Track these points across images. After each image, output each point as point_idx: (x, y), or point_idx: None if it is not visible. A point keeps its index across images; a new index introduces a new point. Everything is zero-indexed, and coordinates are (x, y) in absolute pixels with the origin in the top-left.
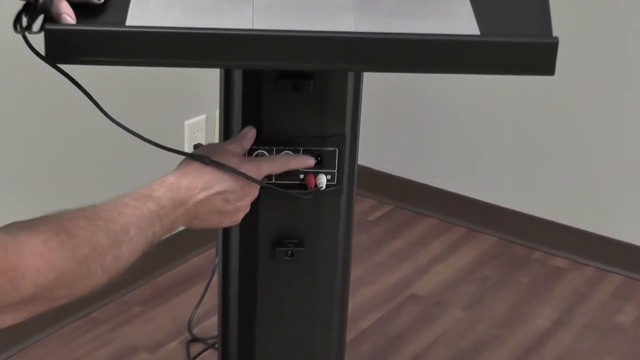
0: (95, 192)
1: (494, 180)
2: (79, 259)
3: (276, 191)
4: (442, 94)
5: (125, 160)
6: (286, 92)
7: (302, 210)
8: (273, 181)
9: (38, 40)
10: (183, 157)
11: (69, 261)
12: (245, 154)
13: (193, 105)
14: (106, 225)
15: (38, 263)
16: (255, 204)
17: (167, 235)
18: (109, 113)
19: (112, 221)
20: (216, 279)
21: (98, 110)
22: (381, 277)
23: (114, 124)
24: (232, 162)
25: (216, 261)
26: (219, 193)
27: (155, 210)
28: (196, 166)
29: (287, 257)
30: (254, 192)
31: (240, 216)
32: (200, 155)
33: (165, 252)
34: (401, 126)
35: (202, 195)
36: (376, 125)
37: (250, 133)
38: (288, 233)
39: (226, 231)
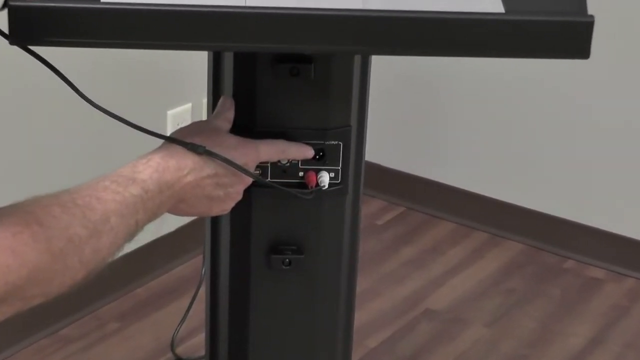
0: (71, 182)
1: (520, 179)
2: (54, 253)
3: (272, 189)
4: (461, 81)
5: (103, 150)
6: (284, 78)
7: (302, 212)
8: (269, 179)
9: (2, 19)
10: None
11: (42, 256)
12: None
13: (177, 93)
14: (84, 214)
15: (7, 259)
16: (248, 205)
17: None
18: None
19: (90, 208)
20: (203, 291)
21: (70, 96)
22: (391, 289)
23: (88, 112)
24: (229, 143)
25: (203, 271)
26: (209, 176)
27: (139, 194)
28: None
29: (284, 266)
30: (247, 178)
31: (230, 204)
32: (193, 144)
33: (145, 260)
34: (414, 117)
35: (191, 177)
36: (386, 117)
37: (228, 102)
38: (285, 238)
39: (215, 236)
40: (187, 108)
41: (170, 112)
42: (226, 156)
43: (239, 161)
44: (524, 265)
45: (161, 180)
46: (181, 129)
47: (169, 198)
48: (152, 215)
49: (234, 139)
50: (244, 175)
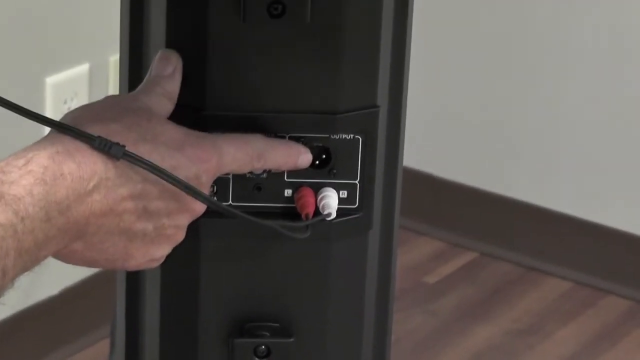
0: None
1: None
2: None
3: (238, 222)
4: (568, 48)
5: None
6: (258, 21)
7: (290, 262)
8: (231, 202)
9: None
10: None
11: None
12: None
13: (63, 46)
14: None
15: None
16: (193, 249)
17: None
18: None
19: None
20: None
21: None
22: None
23: None
24: (170, 139)
25: None
26: (131, 196)
27: (10, 223)
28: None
29: (258, 359)
30: (198, 204)
31: (163, 249)
32: (103, 139)
33: (4, 350)
34: (493, 97)
35: (100, 195)
36: (441, 92)
37: (172, 62)
38: (260, 309)
39: (133, 305)
40: (80, 72)
41: (50, 80)
42: (164, 162)
43: (185, 172)
44: None
45: (50, 199)
46: (86, 109)
47: (61, 232)
48: (30, 261)
49: (179, 132)
50: (192, 197)
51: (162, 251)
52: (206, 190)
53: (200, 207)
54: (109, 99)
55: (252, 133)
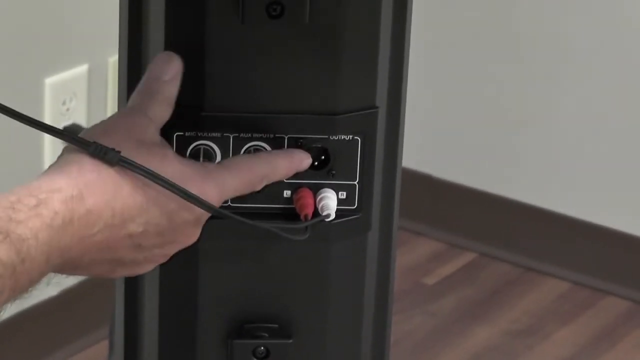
0: None
1: None
2: None
3: (240, 225)
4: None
5: None
6: (257, 22)
7: (288, 263)
8: (229, 204)
9: None
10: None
11: None
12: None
13: (63, 48)
14: None
15: None
16: (192, 253)
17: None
18: None
19: None
20: None
21: None
22: None
23: None
24: (173, 171)
25: None
26: (130, 235)
27: (10, 262)
28: (100, 168)
29: (256, 359)
30: (191, 237)
31: (146, 268)
32: (101, 147)
33: (3, 350)
34: (495, 98)
35: (104, 235)
36: (440, 93)
37: (172, 68)
38: (259, 310)
39: (132, 306)
40: (79, 73)
41: (49, 80)
42: (170, 201)
43: (189, 211)
44: None
45: (53, 244)
46: (100, 131)
47: (56, 269)
48: (21, 294)
49: (186, 171)
50: (190, 232)
51: (145, 271)
52: (201, 226)
53: (194, 238)
54: (123, 122)
55: (254, 155)
